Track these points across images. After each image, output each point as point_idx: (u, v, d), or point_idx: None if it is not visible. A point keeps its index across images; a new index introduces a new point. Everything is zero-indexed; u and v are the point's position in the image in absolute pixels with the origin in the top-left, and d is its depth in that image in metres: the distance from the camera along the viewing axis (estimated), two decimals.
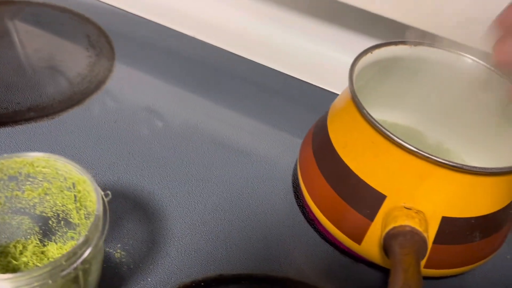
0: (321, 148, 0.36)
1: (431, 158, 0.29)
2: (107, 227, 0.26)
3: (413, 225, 0.29)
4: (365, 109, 0.31)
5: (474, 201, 0.31)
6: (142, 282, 0.33)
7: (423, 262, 0.32)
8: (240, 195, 0.40)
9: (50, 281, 0.23)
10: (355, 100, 0.32)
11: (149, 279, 0.33)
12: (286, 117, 0.48)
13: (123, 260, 0.34)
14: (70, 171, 0.28)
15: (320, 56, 0.52)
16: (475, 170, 0.29)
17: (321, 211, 0.35)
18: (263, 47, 0.55)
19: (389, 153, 0.31)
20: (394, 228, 0.29)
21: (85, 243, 0.24)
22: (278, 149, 0.45)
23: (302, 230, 0.38)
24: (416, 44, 0.38)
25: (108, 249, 0.34)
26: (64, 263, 0.23)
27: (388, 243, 0.29)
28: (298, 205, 0.40)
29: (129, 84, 0.49)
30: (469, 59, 0.37)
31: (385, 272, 0.36)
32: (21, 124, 0.42)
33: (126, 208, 0.37)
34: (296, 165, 0.43)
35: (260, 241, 0.37)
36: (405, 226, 0.29)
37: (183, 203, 0.38)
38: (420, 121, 0.44)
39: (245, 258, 0.36)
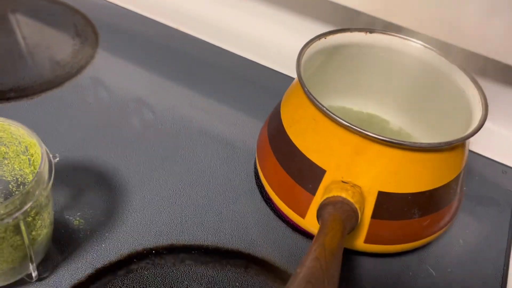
0: (273, 129, 0.38)
1: (363, 133, 0.30)
2: (50, 183, 0.28)
3: (344, 196, 0.30)
4: (307, 88, 0.33)
5: (410, 177, 0.32)
6: (96, 248, 0.35)
7: (363, 237, 0.34)
8: (202, 174, 0.42)
9: None
10: (300, 80, 0.34)
11: (103, 245, 0.35)
12: (257, 103, 0.50)
13: (81, 227, 0.36)
14: (23, 134, 0.30)
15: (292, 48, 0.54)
16: (406, 145, 0.30)
17: (271, 187, 0.37)
18: (240, 38, 0.58)
19: (328, 130, 0.32)
20: (327, 198, 0.31)
21: (25, 195, 0.26)
22: (246, 133, 0.46)
23: (258, 209, 0.40)
24: (371, 31, 0.39)
25: (68, 216, 0.36)
26: (2, 211, 0.25)
27: (319, 212, 0.31)
28: (257, 186, 0.42)
29: (109, 70, 0.51)
30: (421, 45, 0.39)
31: None
32: (0, 103, 0.44)
33: (90, 181, 0.39)
34: None
35: (215, 215, 0.38)
36: (337, 197, 0.31)
37: (145, 179, 0.40)
38: (383, 108, 0.45)
39: (198, 231, 0.37)
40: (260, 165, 0.39)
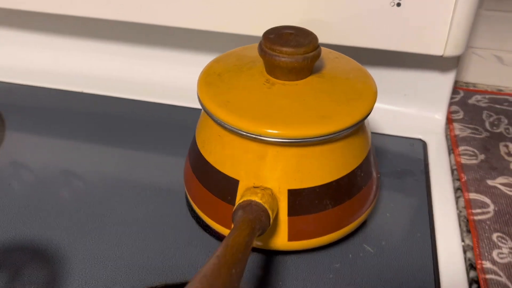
0: (193, 154, 0.40)
1: (260, 139, 0.33)
2: None
3: (254, 199, 0.32)
4: (207, 109, 0.35)
5: (312, 171, 0.34)
6: None
7: (285, 235, 0.36)
8: (139, 221, 0.42)
9: None
10: (201, 104, 0.36)
11: None
12: (176, 141, 0.52)
13: None
14: None
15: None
16: (299, 142, 0.33)
17: (201, 210, 0.39)
18: (139, 86, 0.61)
19: (232, 142, 0.35)
20: (239, 204, 0.33)
21: None
22: (171, 171, 0.48)
23: (198, 237, 0.41)
24: None
25: None
26: None
27: (233, 217, 0.32)
28: (192, 217, 0.43)
29: (22, 148, 0.51)
30: None
31: (266, 254, 0.39)
32: None
33: (26, 258, 0.39)
34: None
35: (159, 256, 0.39)
36: (247, 201, 0.32)
37: (81, 241, 0.41)
38: None
39: (145, 275, 0.38)
40: (188, 193, 0.41)
